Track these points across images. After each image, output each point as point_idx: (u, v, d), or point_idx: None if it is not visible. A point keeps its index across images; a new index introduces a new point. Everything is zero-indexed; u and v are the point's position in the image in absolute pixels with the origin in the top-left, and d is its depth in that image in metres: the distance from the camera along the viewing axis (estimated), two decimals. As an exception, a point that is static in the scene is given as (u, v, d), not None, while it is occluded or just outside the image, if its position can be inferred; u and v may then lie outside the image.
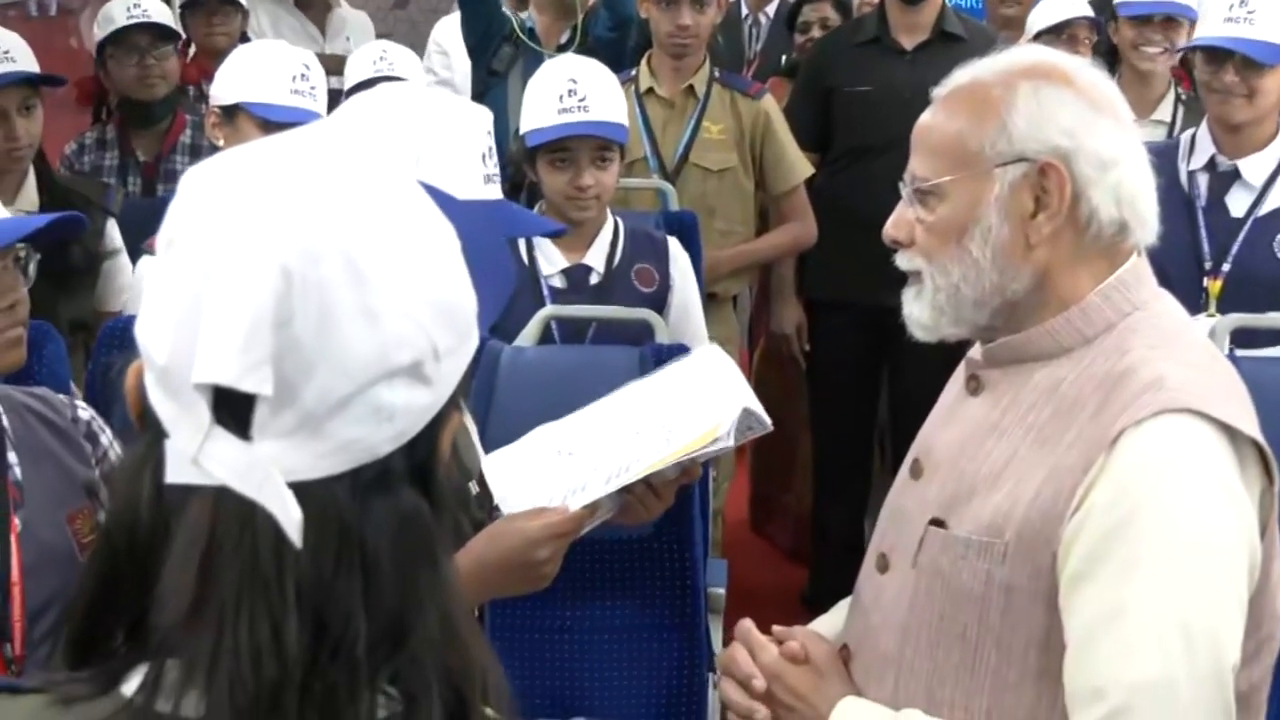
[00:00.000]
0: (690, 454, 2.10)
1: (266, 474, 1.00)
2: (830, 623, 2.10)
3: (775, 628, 2.00)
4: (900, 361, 4.59)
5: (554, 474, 2.15)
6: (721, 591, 3.39)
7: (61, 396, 2.37)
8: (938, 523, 1.85)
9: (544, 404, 2.35)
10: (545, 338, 3.32)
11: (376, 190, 1.07)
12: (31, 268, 2.24)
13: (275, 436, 1.01)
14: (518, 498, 2.12)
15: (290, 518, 1.00)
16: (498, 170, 1.94)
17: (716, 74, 4.55)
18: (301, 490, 1.01)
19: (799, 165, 4.54)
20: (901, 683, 1.87)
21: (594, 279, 3.52)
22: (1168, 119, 4.31)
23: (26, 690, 1.11)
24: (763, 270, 4.94)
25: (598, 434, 2.19)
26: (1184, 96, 4.39)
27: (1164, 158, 3.18)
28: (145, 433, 1.08)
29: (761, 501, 5.73)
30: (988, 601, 1.79)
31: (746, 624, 2.00)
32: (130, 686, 1.05)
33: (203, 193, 1.06)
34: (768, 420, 2.13)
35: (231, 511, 1.01)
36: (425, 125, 1.83)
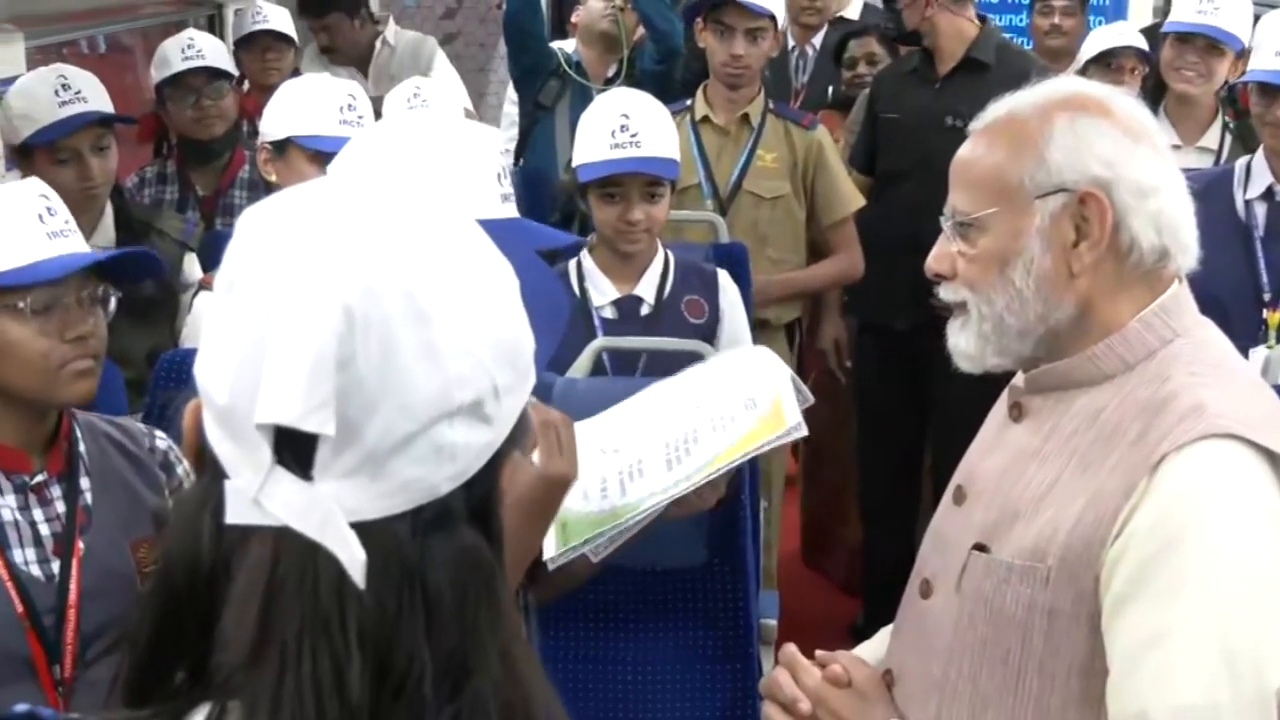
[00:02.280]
0: (761, 444, 2.11)
1: (328, 514, 1.00)
2: (873, 648, 2.13)
3: (819, 652, 2.02)
4: (938, 389, 4.61)
5: (599, 469, 2.14)
6: (773, 623, 3.40)
7: (141, 426, 2.42)
8: (981, 548, 1.87)
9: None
10: (597, 368, 3.35)
11: (436, 229, 1.07)
12: (111, 303, 2.28)
13: (337, 476, 1.02)
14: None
15: (353, 557, 1.00)
16: (512, 190, 1.95)
17: (770, 105, 4.59)
18: (363, 530, 1.01)
19: (850, 197, 4.58)
20: (945, 707, 1.89)
21: (644, 310, 3.55)
22: (1214, 146, 4.30)
23: None
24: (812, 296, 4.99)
25: (639, 427, 2.19)
26: (1231, 125, 4.38)
27: (1218, 186, 3.19)
28: (203, 472, 1.09)
29: (814, 533, 5.75)
30: (1030, 626, 1.80)
31: (791, 648, 2.02)
32: None
33: (262, 233, 1.07)
34: (807, 392, 2.15)
35: (293, 551, 1.01)
36: (438, 150, 1.86)
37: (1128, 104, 1.90)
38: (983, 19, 4.79)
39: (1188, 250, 1.87)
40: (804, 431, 2.12)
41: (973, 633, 1.87)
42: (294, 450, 1.01)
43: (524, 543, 1.95)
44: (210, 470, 1.07)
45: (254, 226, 1.08)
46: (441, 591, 1.04)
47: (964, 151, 1.94)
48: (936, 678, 1.90)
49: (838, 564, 5.60)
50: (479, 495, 1.08)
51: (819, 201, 4.56)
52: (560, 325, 1.33)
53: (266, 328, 1.01)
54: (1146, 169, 1.84)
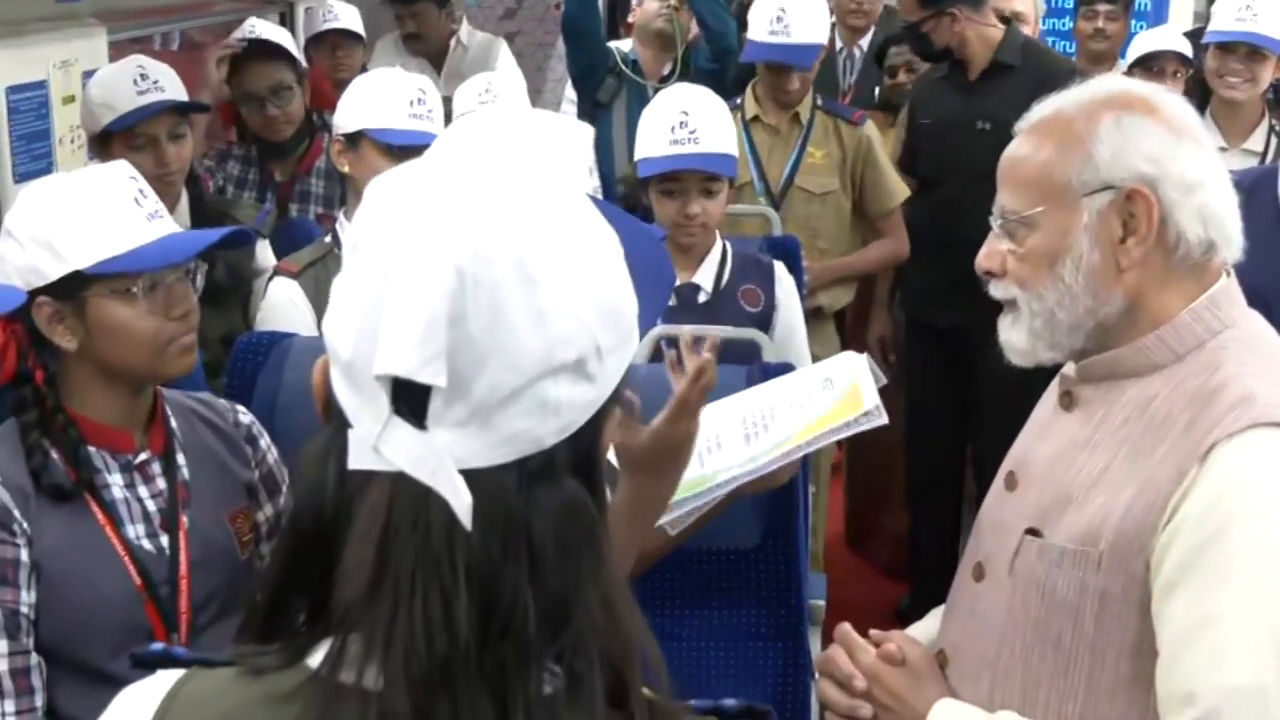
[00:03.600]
0: (838, 425, 2.09)
1: (440, 461, 1.05)
2: (925, 629, 2.13)
3: (873, 631, 2.02)
4: (978, 383, 4.63)
5: None
6: (821, 603, 3.40)
7: (224, 402, 2.44)
8: (1033, 532, 1.87)
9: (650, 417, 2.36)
10: (655, 354, 3.35)
11: (545, 197, 1.10)
12: (199, 279, 2.32)
13: (448, 427, 1.06)
14: None
15: (462, 502, 1.04)
16: (599, 184, 1.95)
17: (819, 102, 4.61)
18: (472, 477, 1.05)
19: (897, 188, 4.63)
20: (997, 686, 1.89)
21: (702, 298, 3.55)
22: (1259, 149, 4.27)
23: (218, 663, 1.15)
24: (860, 289, 5.01)
25: (717, 409, 2.16)
26: (1277, 127, 4.36)
27: (1262, 185, 3.17)
28: (330, 423, 1.13)
29: (858, 520, 5.76)
30: (1082, 609, 1.80)
31: (845, 627, 2.02)
32: (315, 659, 1.10)
33: (385, 200, 1.11)
34: (880, 373, 2.14)
35: (407, 495, 1.05)
36: (538, 138, 1.87)
37: (1172, 101, 1.90)
38: (1006, 21, 4.79)
39: (1233, 242, 1.86)
40: (884, 418, 2.09)
41: (1025, 615, 1.87)
42: (409, 401, 1.05)
43: (652, 498, 2.02)
44: (336, 420, 1.12)
45: (378, 195, 1.12)
46: (545, 538, 1.07)
47: (1011, 151, 1.94)
48: (989, 658, 1.91)
49: (881, 549, 5.62)
50: (582, 449, 1.11)
51: (868, 194, 4.61)
52: (665, 291, 1.37)
53: (386, 287, 1.05)
54: (1191, 164, 1.83)
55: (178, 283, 2.22)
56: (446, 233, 1.06)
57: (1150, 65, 4.92)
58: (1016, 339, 1.91)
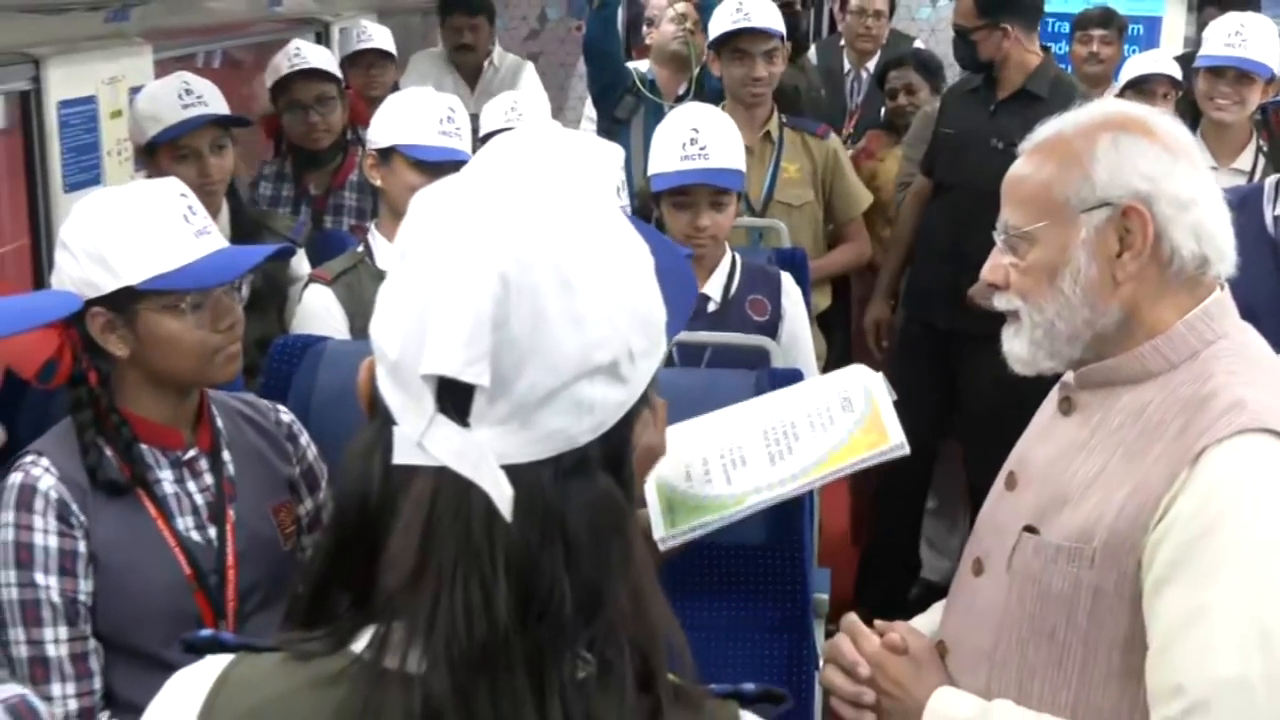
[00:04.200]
0: (860, 458, 2.05)
1: (482, 456, 1.05)
2: (926, 621, 2.12)
3: (877, 622, 2.02)
4: (966, 388, 4.62)
5: (700, 449, 2.10)
6: (825, 597, 3.36)
7: (265, 402, 2.46)
8: (1031, 529, 1.86)
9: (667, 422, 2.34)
10: (666, 361, 3.32)
11: (582, 211, 1.12)
12: (245, 290, 2.32)
13: (490, 424, 1.07)
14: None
15: (502, 495, 1.05)
16: (628, 202, 1.93)
17: (784, 119, 4.61)
18: (511, 472, 1.06)
19: (862, 197, 4.66)
20: (994, 676, 1.89)
21: (711, 307, 3.52)
22: (1247, 168, 4.25)
23: (265, 648, 1.16)
24: (864, 276, 5.11)
25: (734, 418, 2.14)
26: (1264, 147, 4.34)
27: (1249, 202, 3.15)
28: (374, 420, 1.14)
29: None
30: (1076, 603, 1.80)
31: (852, 617, 2.02)
32: (359, 645, 1.10)
33: (431, 211, 1.12)
34: (891, 390, 2.11)
35: (450, 489, 1.06)
36: (568, 159, 1.86)
37: (1167, 123, 1.89)
38: (1045, 49, 4.76)
39: (1226, 257, 1.85)
40: (906, 450, 2.06)
41: (1021, 609, 1.86)
42: (454, 400, 1.06)
43: None
44: (381, 418, 1.12)
45: (424, 207, 1.13)
46: (579, 529, 1.08)
47: (1015, 170, 1.93)
48: (986, 649, 1.90)
49: None
50: (614, 447, 1.12)
51: (836, 202, 4.64)
52: (689, 301, 1.37)
53: (433, 292, 1.06)
54: (1185, 183, 1.83)
55: (224, 296, 2.24)
56: (491, 242, 1.06)
57: (1141, 87, 4.92)
58: (1018, 348, 1.90)
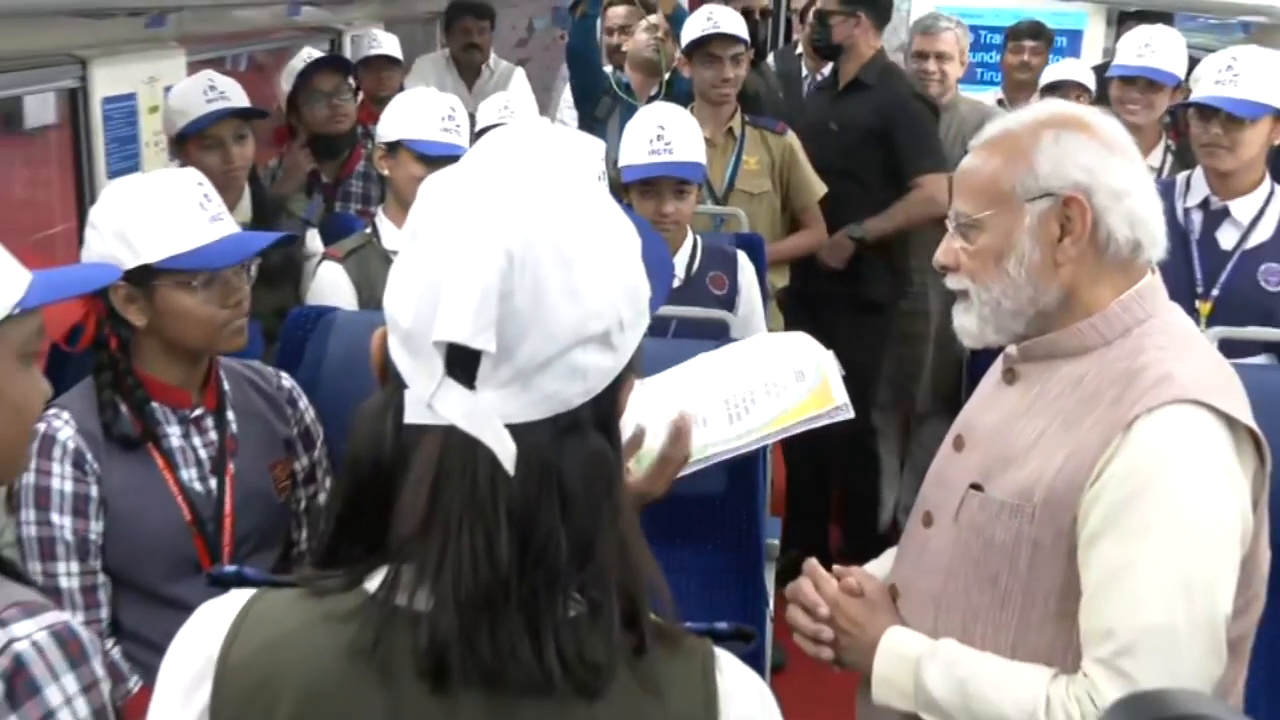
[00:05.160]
0: (809, 416, 2.02)
1: (487, 416, 1.03)
2: (879, 567, 2.07)
3: (835, 566, 1.97)
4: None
5: (666, 415, 2.01)
6: (776, 542, 3.32)
7: (270, 369, 2.43)
8: (976, 487, 1.81)
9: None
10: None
11: (579, 195, 1.09)
12: (253, 269, 2.30)
13: (494, 387, 1.04)
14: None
15: (506, 450, 1.03)
16: (607, 189, 1.88)
17: (746, 118, 4.54)
18: (512, 431, 1.03)
19: (816, 186, 4.55)
20: (940, 618, 1.83)
21: (676, 283, 3.47)
22: (1157, 165, 4.21)
23: (285, 584, 1.13)
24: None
25: (698, 386, 2.09)
26: (1172, 147, 4.31)
27: (1163, 196, 3.11)
28: (385, 385, 1.11)
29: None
30: (1017, 554, 1.74)
31: (813, 561, 1.97)
32: (372, 584, 1.08)
33: (440, 196, 1.09)
34: (840, 368, 2.06)
35: (457, 446, 1.03)
36: (552, 152, 1.80)
37: (1105, 121, 1.83)
38: (881, 48, 4.76)
39: (1157, 243, 1.80)
40: (850, 413, 2.02)
41: (967, 557, 1.81)
42: (462, 364, 1.04)
43: None
44: (392, 382, 1.10)
45: (433, 193, 1.11)
46: (574, 483, 1.06)
47: (966, 163, 1.87)
48: (934, 594, 1.85)
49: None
50: (604, 409, 1.09)
51: (793, 191, 4.53)
52: (668, 280, 1.34)
53: (445, 268, 1.04)
54: (1121, 175, 1.77)
55: (233, 276, 2.21)
56: (498, 223, 1.04)
57: (1056, 91, 4.85)
58: (968, 323, 1.85)
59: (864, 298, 4.65)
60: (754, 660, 2.90)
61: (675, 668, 1.10)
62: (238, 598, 1.13)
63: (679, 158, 3.41)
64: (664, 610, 1.12)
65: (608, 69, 5.33)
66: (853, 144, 4.54)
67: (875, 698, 1.83)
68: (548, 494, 1.04)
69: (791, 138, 4.52)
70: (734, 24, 4.42)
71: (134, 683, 2.15)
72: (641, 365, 1.14)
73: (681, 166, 3.41)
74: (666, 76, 5.03)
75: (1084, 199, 1.75)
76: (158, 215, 2.15)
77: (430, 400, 1.04)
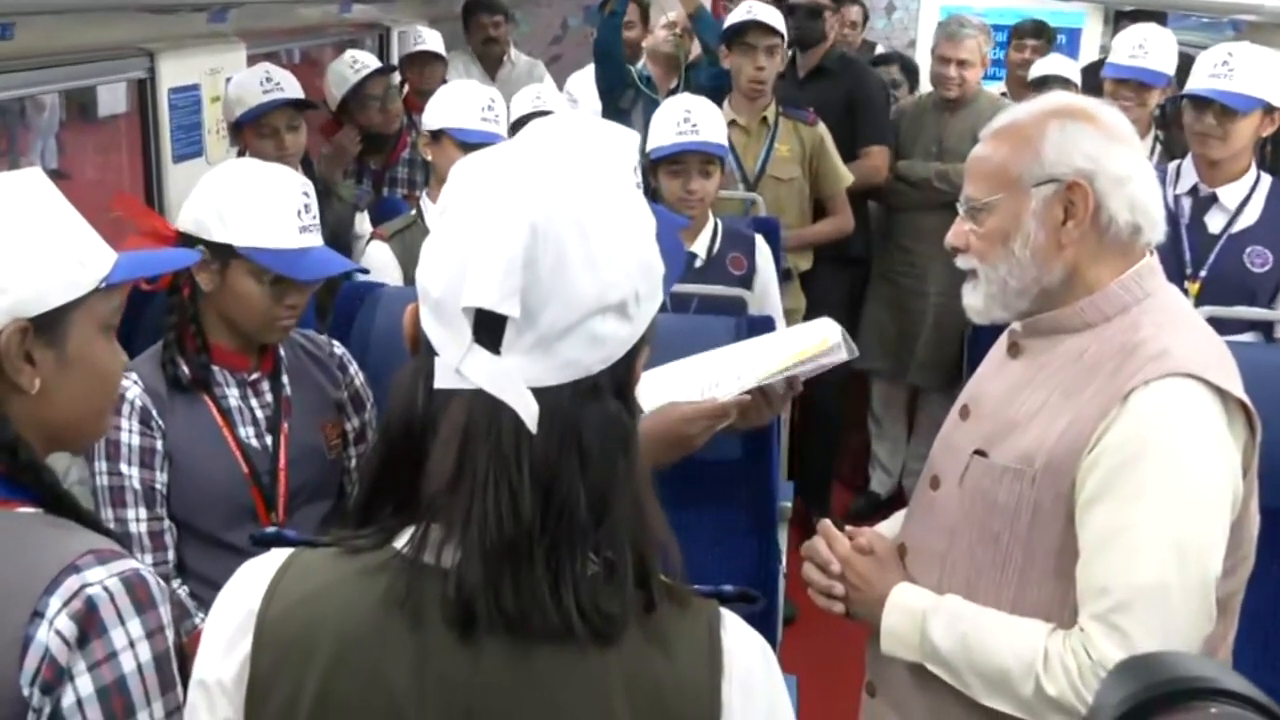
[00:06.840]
0: (809, 357, 1.98)
1: (511, 380, 1.02)
2: (889, 527, 2.04)
3: (848, 526, 1.95)
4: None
5: (680, 389, 2.03)
6: (789, 504, 3.31)
7: (323, 337, 2.44)
8: (980, 453, 1.78)
9: (658, 359, 2.25)
10: (660, 309, 3.23)
11: (600, 176, 1.08)
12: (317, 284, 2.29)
13: (518, 353, 1.03)
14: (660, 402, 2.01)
15: (529, 411, 1.02)
16: (641, 181, 1.87)
17: (780, 108, 4.49)
18: (535, 394, 1.03)
19: (844, 175, 4.50)
20: (945, 575, 1.81)
21: (698, 263, 3.44)
22: (1146, 154, 4.13)
23: (321, 544, 1.13)
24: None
25: (706, 368, 2.08)
26: (1161, 137, 4.26)
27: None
28: (417, 355, 1.10)
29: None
30: (1018, 516, 1.72)
31: (826, 522, 1.96)
32: (401, 542, 1.07)
33: (471, 175, 1.08)
34: (854, 345, 2.02)
35: (483, 408, 1.03)
36: (596, 139, 1.77)
37: (1109, 112, 1.79)
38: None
39: (1156, 226, 1.76)
40: (846, 354, 1.98)
41: (971, 518, 1.78)
42: (488, 331, 1.03)
43: (649, 460, 1.93)
44: (424, 350, 1.09)
45: (464, 172, 1.10)
46: (592, 443, 1.05)
47: (976, 151, 1.84)
48: (940, 552, 1.82)
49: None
50: (620, 376, 1.08)
51: (821, 179, 4.48)
52: (680, 260, 1.32)
53: (473, 239, 1.03)
54: (1122, 162, 1.73)
55: (302, 285, 2.21)
56: (523, 197, 1.03)
57: (1041, 86, 4.78)
58: (976, 301, 1.82)
59: (846, 255, 4.67)
60: (767, 615, 2.90)
61: (683, 625, 1.09)
62: (277, 556, 1.13)
63: (704, 137, 3.39)
64: (674, 571, 1.11)
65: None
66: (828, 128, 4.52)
67: (883, 649, 1.82)
68: (568, 452, 1.03)
69: (822, 128, 4.46)
70: (770, 16, 4.35)
71: (199, 619, 2.16)
72: (654, 337, 1.13)
73: (706, 145, 3.38)
74: (685, 70, 5.01)
75: (1087, 184, 1.71)
76: (259, 207, 2.15)
77: (459, 365, 1.03)
